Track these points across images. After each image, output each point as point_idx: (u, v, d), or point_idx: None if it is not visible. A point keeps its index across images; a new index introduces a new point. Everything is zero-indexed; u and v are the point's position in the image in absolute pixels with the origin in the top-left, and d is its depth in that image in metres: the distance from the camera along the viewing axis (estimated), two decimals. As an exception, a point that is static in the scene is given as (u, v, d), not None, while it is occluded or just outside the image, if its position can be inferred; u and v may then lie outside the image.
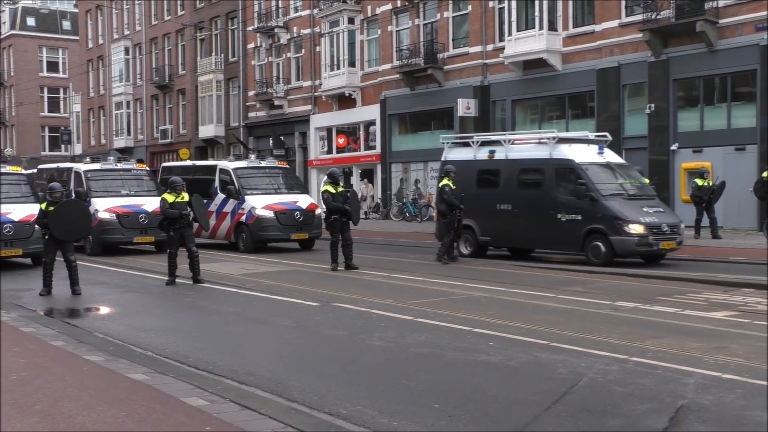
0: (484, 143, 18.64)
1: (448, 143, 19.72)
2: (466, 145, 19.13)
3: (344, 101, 37.28)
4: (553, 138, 17.29)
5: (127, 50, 53.65)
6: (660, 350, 8.11)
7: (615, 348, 8.22)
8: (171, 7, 49.98)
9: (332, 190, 16.33)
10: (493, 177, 18.23)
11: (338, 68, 36.66)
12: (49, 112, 69.97)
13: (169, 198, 14.47)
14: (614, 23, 26.30)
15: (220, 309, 11.68)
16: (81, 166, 22.55)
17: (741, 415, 5.96)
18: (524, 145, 18.07)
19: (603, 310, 10.88)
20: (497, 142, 18.46)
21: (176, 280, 14.46)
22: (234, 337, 9.45)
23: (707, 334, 9.06)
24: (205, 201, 18.40)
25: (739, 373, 7.10)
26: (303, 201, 21.91)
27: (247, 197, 21.48)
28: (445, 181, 17.52)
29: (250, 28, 42.36)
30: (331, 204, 16.29)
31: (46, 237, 13.12)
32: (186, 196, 14.61)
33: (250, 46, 43.08)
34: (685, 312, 10.57)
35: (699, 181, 20.96)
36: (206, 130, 45.79)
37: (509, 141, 18.19)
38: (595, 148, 17.40)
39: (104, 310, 12.01)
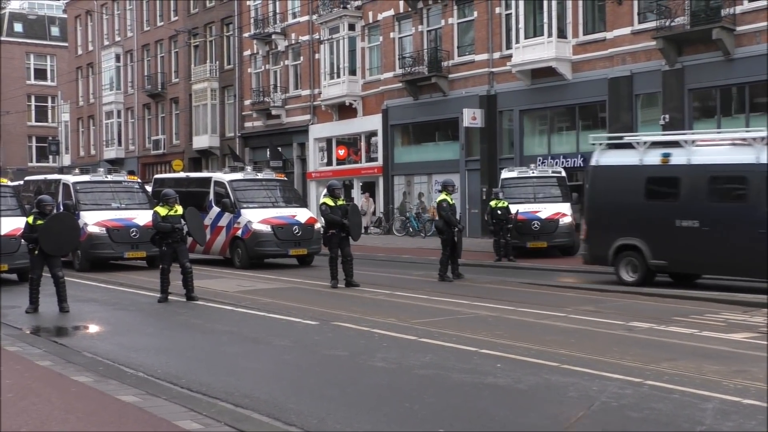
0: (654, 145, 15.99)
1: (600, 145, 17.04)
2: (628, 146, 16.50)
3: (344, 111, 37.36)
4: (762, 138, 14.47)
5: (118, 57, 53.82)
6: (676, 373, 8.09)
7: (629, 371, 8.20)
8: (164, 13, 50.19)
9: (331, 203, 16.35)
10: (670, 186, 15.48)
11: (338, 76, 36.75)
12: (36, 121, 70.10)
13: (162, 211, 14.47)
14: (626, 30, 26.37)
15: (215, 328, 11.66)
16: (70, 178, 22.58)
17: (762, 442, 5.94)
18: (714, 147, 15.48)
19: (616, 330, 10.86)
20: (673, 143, 15.82)
21: (169, 297, 14.44)
22: (229, 358, 9.43)
23: (726, 356, 9.03)
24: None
25: (760, 398, 7.07)
26: (301, 215, 21.91)
27: (243, 211, 21.48)
28: (442, 196, 17.45)
29: (246, 35, 42.49)
30: (329, 217, 16.31)
31: (35, 252, 13.11)
32: (179, 209, 14.62)
33: (247, 53, 43.21)
34: (702, 333, 10.55)
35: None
36: (200, 141, 45.88)
37: (692, 142, 15.56)
38: None
39: (93, 328, 12.00)
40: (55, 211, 14.10)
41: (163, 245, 14.40)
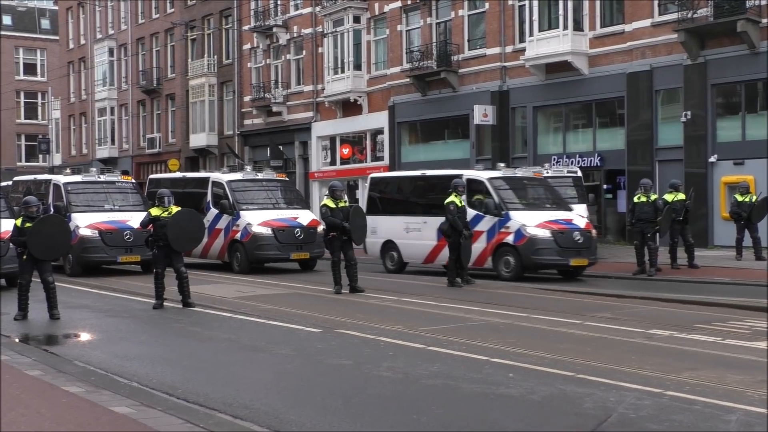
0: None
1: None
2: None
3: (349, 108, 37.39)
4: None
5: (111, 51, 53.96)
6: (698, 383, 8.09)
7: (648, 381, 8.20)
8: (159, 5, 50.28)
9: (332, 205, 16.38)
10: None
11: (342, 71, 36.79)
12: (25, 118, 70.32)
13: (155, 212, 14.51)
14: (646, 23, 26.34)
15: (213, 335, 11.69)
16: (61, 178, 22.64)
17: (788, 456, 5.93)
18: None
19: (635, 338, 10.86)
20: None
21: (164, 303, 14.47)
22: (228, 367, 9.46)
23: (751, 366, 9.02)
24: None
25: (786, 409, 7.07)
26: (304, 217, 21.94)
27: (242, 213, 21.51)
28: (451, 198, 17.41)
29: (245, 28, 42.58)
30: (329, 220, 16.36)
31: (24, 256, 13.15)
32: (175, 210, 14.63)
33: (246, 47, 43.29)
34: (726, 341, 10.54)
35: (739, 197, 20.94)
36: (198, 139, 45.95)
37: None
38: None
39: (85, 336, 12.04)
40: (41, 213, 14.12)
41: (155, 248, 14.41)
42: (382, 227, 21.20)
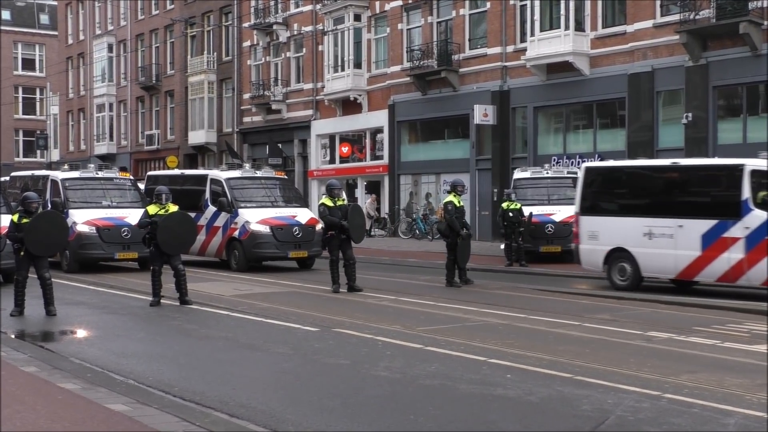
0: None
1: None
2: None
3: (349, 106, 37.40)
4: None
5: (110, 47, 53.97)
6: (696, 386, 8.09)
7: (646, 383, 8.21)
8: (159, 1, 50.30)
9: (330, 204, 16.42)
10: None
11: (342, 70, 36.80)
12: (23, 114, 70.31)
13: (152, 209, 14.52)
14: (648, 24, 26.35)
15: (210, 333, 11.69)
16: (58, 174, 22.62)
17: (786, 460, 5.94)
18: None
19: (633, 340, 10.86)
20: None
21: (161, 300, 14.46)
22: (224, 365, 9.46)
23: (749, 369, 9.03)
24: (194, 214, 18.47)
25: (785, 413, 7.07)
26: (302, 215, 21.95)
27: (240, 210, 21.51)
28: (449, 198, 17.46)
29: (245, 25, 42.57)
30: (327, 219, 16.40)
31: (21, 252, 13.15)
32: (172, 208, 14.65)
33: (246, 44, 43.28)
34: (724, 344, 10.55)
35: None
36: (196, 136, 45.97)
37: None
38: None
39: (81, 333, 12.04)
40: (41, 209, 14.13)
41: (151, 245, 14.42)
42: (606, 231, 17.01)
